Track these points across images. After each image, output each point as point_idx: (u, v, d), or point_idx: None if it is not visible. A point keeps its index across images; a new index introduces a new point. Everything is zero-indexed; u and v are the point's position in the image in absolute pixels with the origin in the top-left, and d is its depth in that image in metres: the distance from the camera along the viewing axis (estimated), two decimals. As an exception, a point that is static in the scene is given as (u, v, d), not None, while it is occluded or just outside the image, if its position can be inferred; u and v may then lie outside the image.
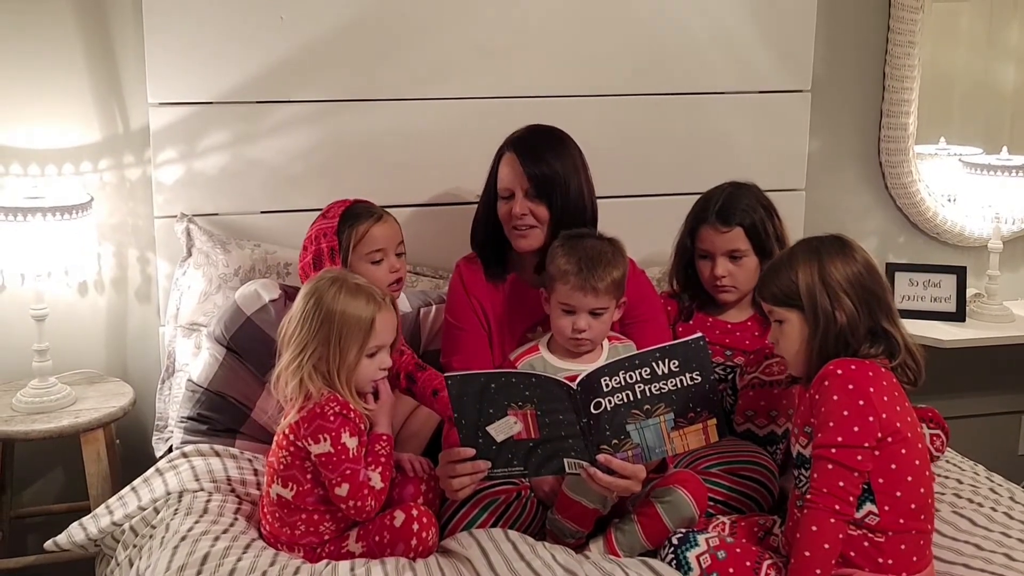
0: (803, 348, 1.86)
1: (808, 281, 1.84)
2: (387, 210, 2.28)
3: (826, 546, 1.72)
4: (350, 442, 1.88)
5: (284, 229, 2.64)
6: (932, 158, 3.28)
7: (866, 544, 1.76)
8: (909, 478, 1.77)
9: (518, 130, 2.29)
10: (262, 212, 2.67)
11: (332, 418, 1.87)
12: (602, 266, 2.05)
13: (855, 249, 1.89)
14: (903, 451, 1.76)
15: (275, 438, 1.96)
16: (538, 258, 2.21)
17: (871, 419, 1.74)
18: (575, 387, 1.83)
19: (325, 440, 1.86)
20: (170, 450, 2.34)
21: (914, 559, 1.77)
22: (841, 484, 1.73)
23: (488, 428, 1.85)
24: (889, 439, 1.75)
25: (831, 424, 1.75)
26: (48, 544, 2.07)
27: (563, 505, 1.98)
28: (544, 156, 2.21)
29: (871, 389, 1.76)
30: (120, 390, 2.60)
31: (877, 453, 1.75)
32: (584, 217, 2.23)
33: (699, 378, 1.88)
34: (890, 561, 1.75)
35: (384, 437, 1.97)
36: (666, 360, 1.86)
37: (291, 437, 1.90)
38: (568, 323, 2.07)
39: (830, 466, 1.74)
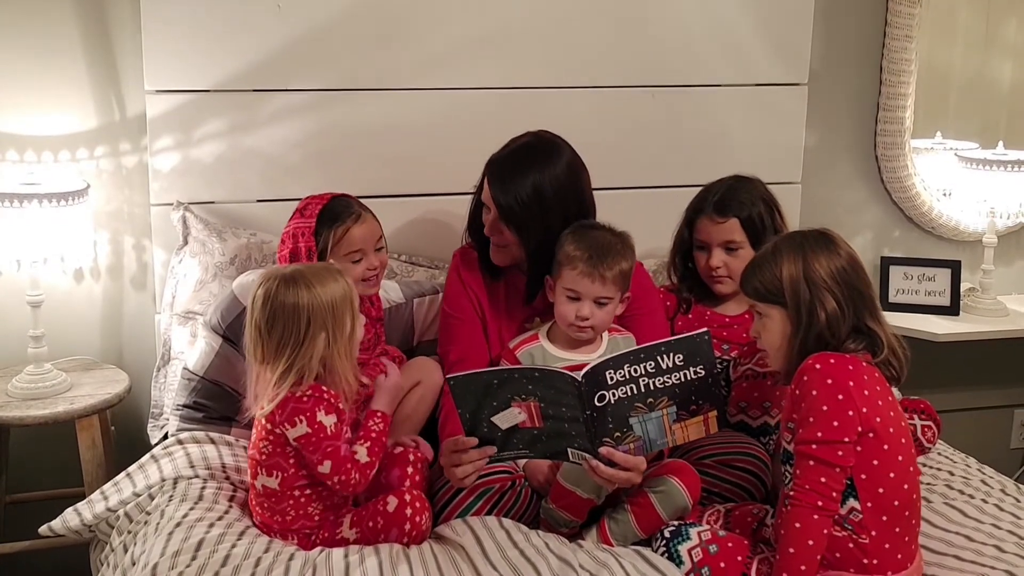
0: (784, 344, 1.85)
1: (792, 278, 1.82)
2: (366, 205, 2.26)
3: (810, 542, 1.71)
4: (326, 420, 1.88)
5: (280, 218, 2.59)
6: (928, 152, 3.29)
7: (851, 546, 1.74)
8: (891, 474, 1.75)
9: (505, 145, 2.24)
10: (258, 201, 2.67)
11: (305, 400, 1.88)
12: (611, 256, 2.06)
13: (839, 245, 1.86)
14: (885, 447, 1.75)
15: (253, 431, 1.96)
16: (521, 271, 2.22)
17: (851, 413, 1.73)
18: (580, 378, 1.83)
19: (301, 422, 1.87)
20: (165, 437, 2.35)
21: (899, 556, 1.76)
22: (823, 480, 1.72)
23: (492, 419, 1.86)
24: (870, 434, 1.74)
25: (811, 420, 1.74)
26: (42, 529, 2.07)
27: (557, 494, 1.98)
28: (512, 186, 2.14)
29: (850, 383, 1.74)
30: (115, 377, 2.61)
31: (859, 448, 1.74)
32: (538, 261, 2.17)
33: (703, 371, 1.87)
34: (875, 561, 1.74)
35: (379, 414, 1.99)
36: (671, 354, 1.85)
37: (268, 427, 1.90)
38: (572, 310, 2.08)
39: (811, 462, 1.73)
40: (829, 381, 1.74)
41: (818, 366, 1.76)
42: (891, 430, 1.77)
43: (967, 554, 1.90)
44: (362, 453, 1.92)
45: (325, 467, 1.88)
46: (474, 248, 2.33)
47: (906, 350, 1.87)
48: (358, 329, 1.96)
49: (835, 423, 1.72)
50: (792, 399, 1.80)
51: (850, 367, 1.77)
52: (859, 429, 1.73)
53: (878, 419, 1.75)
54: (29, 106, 2.61)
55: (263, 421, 1.92)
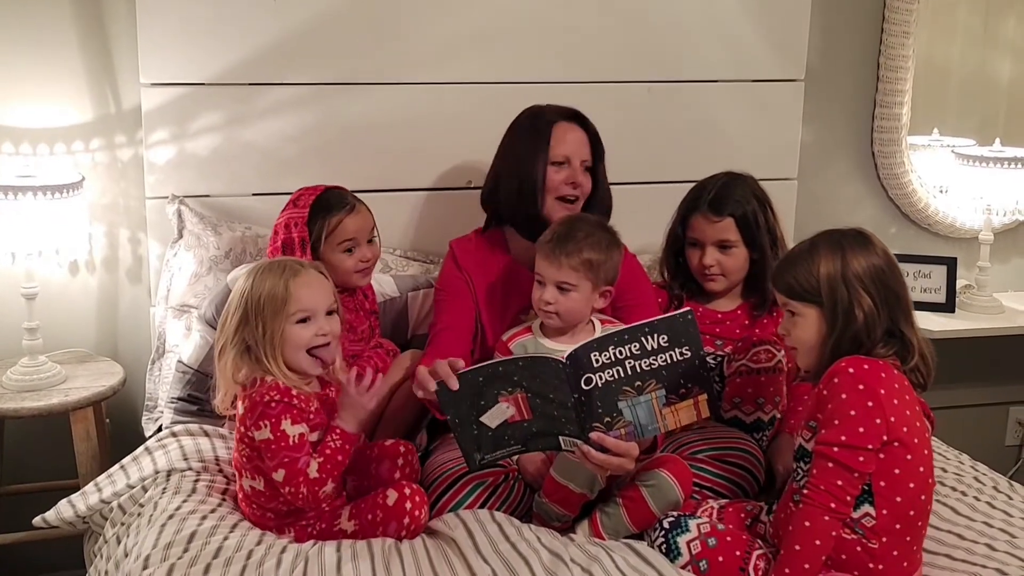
0: (818, 344, 1.82)
1: (831, 277, 1.79)
2: (360, 197, 2.27)
3: (817, 542, 1.71)
4: (291, 429, 1.85)
5: (275, 212, 2.59)
6: (925, 149, 3.29)
7: (859, 549, 1.73)
8: (911, 484, 1.73)
9: (555, 106, 2.32)
10: (254, 194, 2.67)
11: (273, 405, 1.85)
12: (575, 242, 2.05)
13: (876, 244, 1.83)
14: (908, 456, 1.73)
15: (235, 434, 1.95)
16: None
17: (878, 421, 1.70)
18: (564, 360, 1.83)
19: (265, 427, 1.84)
20: (159, 430, 2.35)
21: (905, 564, 1.75)
22: (839, 483, 1.71)
23: (482, 419, 1.85)
24: (895, 443, 1.71)
25: (836, 422, 1.71)
26: (37, 520, 2.08)
27: (550, 489, 1.98)
28: (597, 133, 2.31)
29: (882, 391, 1.71)
30: (110, 369, 2.61)
31: (881, 456, 1.72)
32: (608, 199, 2.34)
33: (688, 353, 1.85)
34: (881, 567, 1.73)
35: (338, 431, 1.89)
36: (655, 335, 1.84)
37: (242, 430, 1.89)
38: (537, 294, 2.09)
39: (830, 464, 1.71)
40: (861, 387, 1.71)
41: (851, 370, 1.73)
42: (916, 440, 1.74)
43: (958, 553, 1.89)
44: (313, 468, 1.85)
45: (279, 475, 1.84)
46: (470, 238, 2.34)
47: (935, 356, 1.84)
48: (295, 336, 1.88)
49: (861, 429, 1.70)
50: (818, 399, 1.77)
51: (883, 374, 1.74)
52: (884, 438, 1.71)
53: (905, 429, 1.73)
54: (25, 98, 2.61)
55: (237, 424, 1.91)
